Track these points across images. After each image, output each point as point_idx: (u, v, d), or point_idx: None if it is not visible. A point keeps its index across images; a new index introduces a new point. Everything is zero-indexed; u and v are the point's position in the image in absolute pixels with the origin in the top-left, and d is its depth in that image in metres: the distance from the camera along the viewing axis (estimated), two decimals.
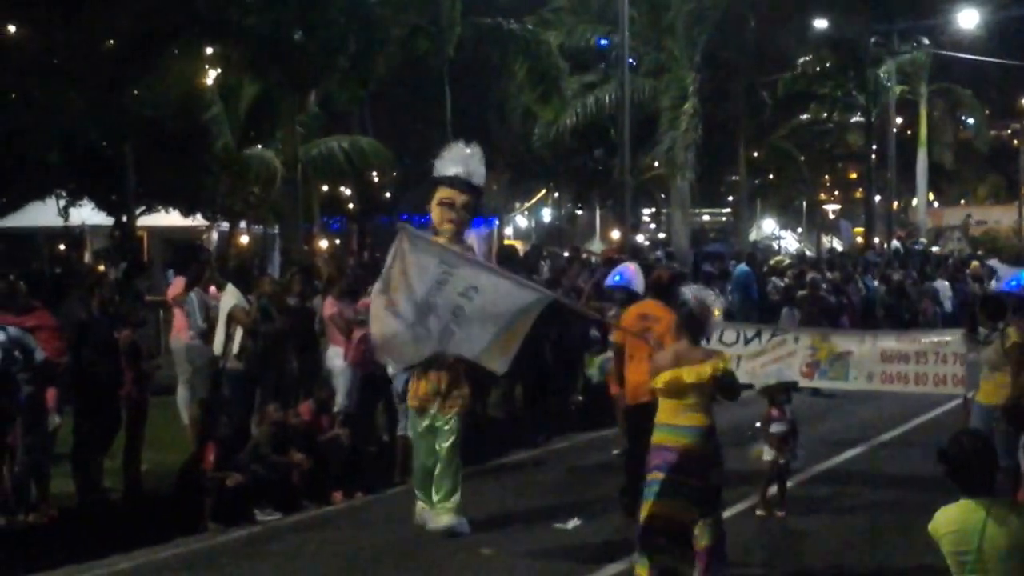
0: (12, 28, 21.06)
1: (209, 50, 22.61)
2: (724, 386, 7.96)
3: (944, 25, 40.02)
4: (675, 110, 27.71)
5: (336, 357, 12.78)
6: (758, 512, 10.42)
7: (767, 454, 10.47)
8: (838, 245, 44.57)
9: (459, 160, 10.17)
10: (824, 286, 21.59)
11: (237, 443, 11.10)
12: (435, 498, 9.95)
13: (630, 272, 11.65)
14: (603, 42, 29.14)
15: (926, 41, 41.37)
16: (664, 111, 27.99)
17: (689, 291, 8.27)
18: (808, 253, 42.48)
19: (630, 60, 25.22)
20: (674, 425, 7.91)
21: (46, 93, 21.90)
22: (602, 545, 9.52)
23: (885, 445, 14.23)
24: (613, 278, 11.75)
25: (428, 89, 23.53)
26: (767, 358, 12.68)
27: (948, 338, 12.47)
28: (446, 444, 9.96)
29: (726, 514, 9.66)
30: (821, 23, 37.23)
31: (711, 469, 7.86)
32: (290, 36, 20.67)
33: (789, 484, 10.81)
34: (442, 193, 10.11)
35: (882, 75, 39.89)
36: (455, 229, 10.09)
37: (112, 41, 21.75)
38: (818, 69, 39.03)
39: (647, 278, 11.35)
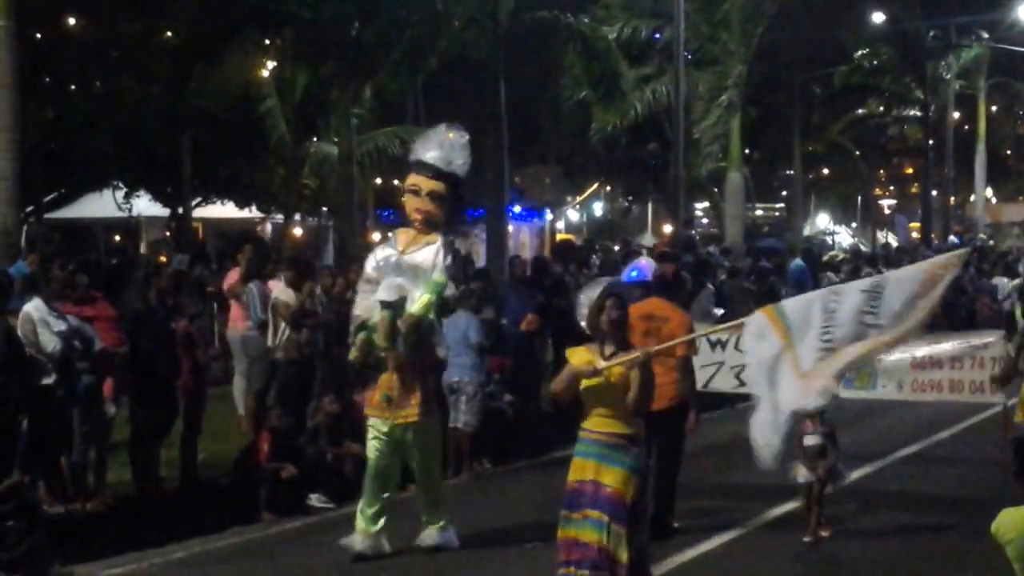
0: (72, 20, 21.28)
1: (266, 42, 22.75)
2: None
3: (1003, 19, 39.47)
4: (711, 102, 27.58)
5: None
6: (805, 539, 9.41)
7: (800, 474, 9.40)
8: (893, 241, 44.13)
9: (436, 144, 9.39)
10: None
11: (292, 434, 11.17)
12: (423, 516, 9.39)
13: (647, 268, 10.93)
14: (656, 35, 28.99)
15: (985, 35, 40.83)
16: (702, 102, 27.86)
17: (607, 286, 7.70)
18: (863, 248, 42.08)
19: (686, 54, 25.10)
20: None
21: (105, 85, 22.14)
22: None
23: (905, 461, 13.02)
24: (629, 273, 11.04)
25: (482, 82, 23.49)
26: None
27: (986, 340, 11.74)
28: (421, 469, 9.30)
29: (733, 535, 9.61)
30: (878, 16, 36.84)
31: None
32: (347, 27, 20.73)
33: (796, 504, 9.95)
34: (410, 179, 9.41)
35: (940, 69, 39.44)
36: (423, 220, 9.26)
37: (172, 34, 21.93)
38: (875, 63, 38.62)
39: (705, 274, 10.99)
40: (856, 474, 11.57)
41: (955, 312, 23.97)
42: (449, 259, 9.26)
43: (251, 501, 10.60)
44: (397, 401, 9.08)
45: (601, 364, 7.16)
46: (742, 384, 11.96)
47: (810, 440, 9.43)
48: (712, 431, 13.08)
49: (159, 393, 11.10)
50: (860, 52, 38.19)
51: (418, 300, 9.08)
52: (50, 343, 9.95)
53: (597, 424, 7.22)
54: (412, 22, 20.86)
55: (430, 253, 9.19)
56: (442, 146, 9.33)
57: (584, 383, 7.18)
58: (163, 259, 21.73)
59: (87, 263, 16.09)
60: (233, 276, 13.40)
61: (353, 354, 9.30)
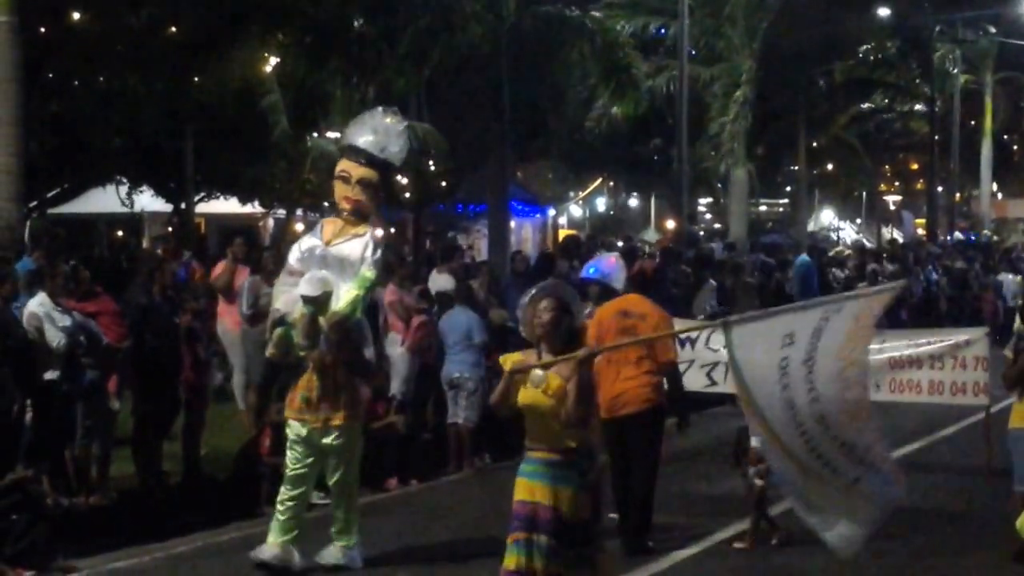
0: (76, 15, 21.26)
1: (268, 37, 22.72)
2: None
3: (1010, 13, 39.41)
4: (727, 98, 27.54)
5: (394, 344, 12.81)
6: (736, 544, 9.18)
7: (748, 475, 9.10)
8: (898, 236, 44.10)
9: (370, 129, 8.72)
10: (881, 279, 21.34)
11: None
12: (332, 529, 8.78)
13: (608, 264, 10.18)
14: (662, 31, 28.97)
15: (992, 29, 40.76)
16: (716, 98, 27.81)
17: (543, 285, 6.82)
18: (867, 244, 42.05)
19: (690, 49, 25.08)
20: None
21: (108, 80, 22.12)
22: None
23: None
24: (587, 270, 10.32)
25: (485, 77, 23.47)
26: None
27: (969, 339, 11.24)
28: (335, 479, 8.66)
29: (698, 549, 9.15)
30: (884, 10, 36.78)
31: None
32: (351, 23, 20.71)
33: (783, 508, 9.40)
34: (340, 165, 8.80)
35: (946, 64, 39.38)
36: (352, 209, 8.64)
37: (175, 29, 21.91)
38: (880, 57, 38.56)
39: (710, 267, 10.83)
40: None
41: (960, 307, 23.99)
42: (379, 253, 8.68)
43: (252, 496, 10.62)
44: (316, 404, 8.49)
45: (537, 368, 6.39)
46: (713, 383, 11.82)
47: (757, 443, 8.84)
48: (678, 437, 12.75)
49: (162, 388, 11.12)
50: (865, 46, 38.16)
51: (344, 296, 8.50)
52: (55, 338, 9.97)
53: (540, 440, 6.45)
54: (417, 17, 20.84)
55: (359, 246, 8.58)
56: (376, 131, 8.69)
57: (522, 398, 6.43)
58: (164, 253, 21.73)
59: (89, 258, 16.14)
60: (219, 268, 13.19)
61: (270, 351, 8.82)
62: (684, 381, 11.85)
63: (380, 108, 8.95)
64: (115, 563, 9.04)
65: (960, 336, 11.54)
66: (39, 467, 9.73)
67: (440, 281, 14.09)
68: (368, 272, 8.61)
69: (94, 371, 10.43)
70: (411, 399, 12.50)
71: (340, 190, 8.67)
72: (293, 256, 8.88)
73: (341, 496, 8.70)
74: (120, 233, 31.77)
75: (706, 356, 12.18)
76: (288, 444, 8.72)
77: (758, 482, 9.01)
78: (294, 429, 8.63)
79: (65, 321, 10.14)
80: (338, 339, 8.44)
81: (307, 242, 8.88)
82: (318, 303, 8.41)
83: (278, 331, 8.64)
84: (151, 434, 11.12)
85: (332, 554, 8.71)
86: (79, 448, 10.52)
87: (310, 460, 8.62)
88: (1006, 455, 9.69)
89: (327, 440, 8.52)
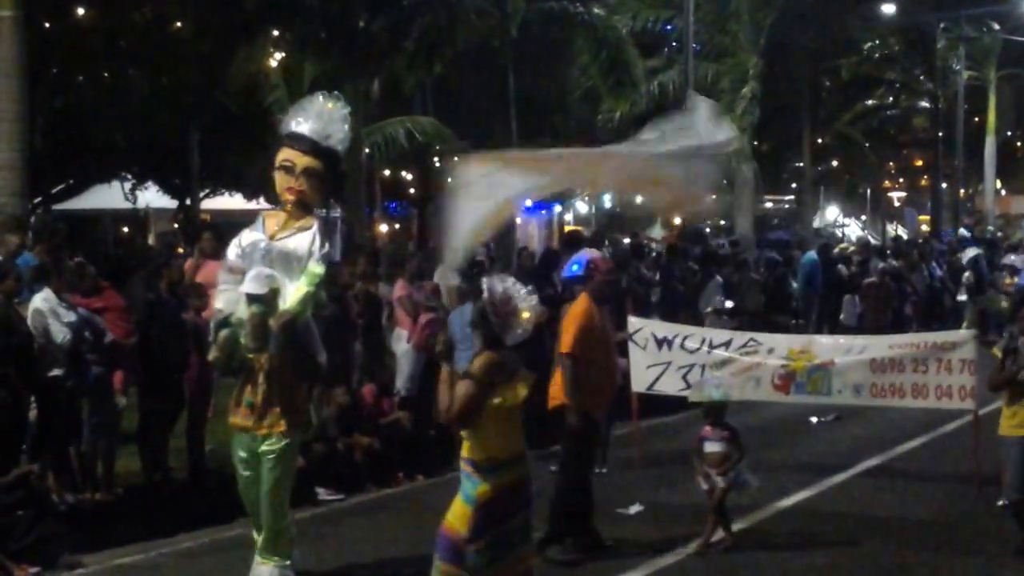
0: (81, 10, 21.26)
1: (274, 33, 22.72)
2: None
3: (1014, 10, 39.31)
4: (733, 93, 27.51)
5: (400, 340, 12.78)
6: (696, 548, 8.89)
7: (703, 480, 8.90)
8: (903, 233, 44.05)
9: (313, 115, 8.07)
10: (884, 277, 21.28)
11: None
12: (257, 547, 8.13)
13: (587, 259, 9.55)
14: (668, 27, 28.95)
15: (996, 26, 40.68)
16: (723, 94, 27.79)
17: (491, 282, 6.59)
18: (872, 241, 42.00)
19: (694, 45, 25.04)
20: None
21: (112, 76, 22.12)
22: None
23: (865, 475, 11.74)
24: (570, 267, 9.85)
25: (491, 73, 23.46)
26: (734, 368, 11.36)
27: (954, 340, 10.88)
28: (265, 488, 8.03)
29: (670, 561, 8.75)
30: (888, 7, 36.72)
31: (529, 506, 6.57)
32: (355, 18, 20.70)
33: (759, 518, 9.58)
34: (281, 154, 8.04)
35: (950, 61, 39.31)
36: (296, 200, 7.99)
37: (181, 25, 21.91)
38: (884, 53, 38.51)
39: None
40: (811, 490, 10.84)
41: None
42: (327, 246, 8.10)
43: None
44: (261, 409, 7.94)
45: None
46: (688, 387, 11.30)
47: (711, 447, 8.89)
48: (652, 443, 12.57)
49: (168, 383, 11.09)
50: (870, 43, 38.10)
51: (293, 294, 7.95)
52: (60, 334, 9.94)
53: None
54: (423, 12, 20.82)
55: (304, 240, 7.98)
56: (319, 117, 8.05)
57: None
58: (180, 251, 21.71)
59: (95, 254, 16.12)
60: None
61: (214, 354, 8.20)
62: (660, 384, 11.81)
63: (320, 93, 8.27)
64: (121, 559, 9.02)
65: (945, 339, 11.13)
66: (44, 463, 9.75)
67: (447, 276, 14.05)
68: (317, 268, 8.01)
69: (99, 367, 10.40)
70: (417, 395, 12.47)
71: (282, 181, 7.98)
72: (233, 252, 8.28)
73: (270, 508, 7.98)
74: (126, 229, 31.79)
75: (683, 358, 11.72)
76: (232, 450, 8.29)
77: (719, 482, 8.84)
78: (239, 437, 8.14)
79: (70, 317, 10.11)
80: (287, 340, 7.89)
81: (248, 237, 8.23)
82: (265, 301, 7.89)
83: (223, 333, 8.04)
84: (157, 430, 11.09)
85: (261, 574, 8.11)
86: (85, 444, 10.50)
87: (257, 465, 8.10)
88: (995, 462, 9.54)
89: (266, 446, 7.99)
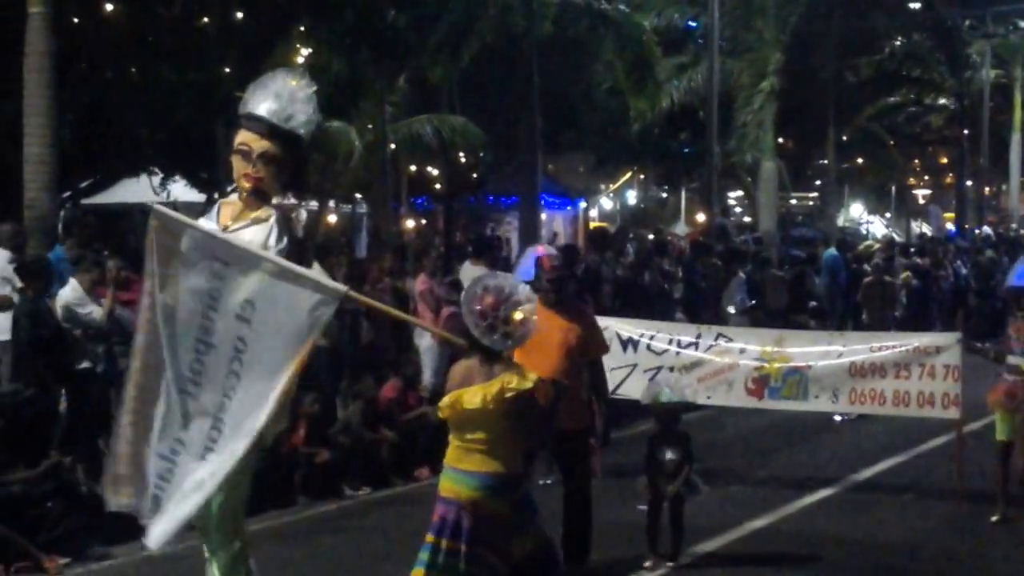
0: (109, 6, 21.38)
1: (300, 28, 22.79)
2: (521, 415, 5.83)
3: None
4: (753, 88, 27.52)
5: (424, 334, 12.85)
6: (645, 564, 8.36)
7: (646, 493, 8.46)
8: (928, 231, 43.88)
9: (272, 94, 7.00)
10: (885, 277, 21.13)
11: (326, 419, 11.26)
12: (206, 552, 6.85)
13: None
14: (692, 24, 28.94)
15: (1022, 24, 40.45)
16: (743, 89, 27.79)
17: (481, 276, 6.17)
18: (897, 238, 41.86)
19: (720, 41, 25.03)
20: (458, 470, 6.02)
21: (139, 70, 22.21)
22: None
23: (848, 491, 11.07)
24: (527, 268, 8.68)
25: (517, 69, 23.49)
26: (705, 371, 10.77)
27: (939, 344, 10.24)
28: (216, 500, 6.62)
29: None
30: (914, 4, 36.58)
31: (512, 538, 5.95)
32: (382, 13, 20.75)
33: (730, 538, 9.06)
34: (238, 137, 7.05)
35: (975, 58, 39.12)
36: (252, 188, 6.86)
37: (207, 19, 22.00)
38: (909, 50, 38.36)
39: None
40: (782, 511, 10.15)
41: (989, 302, 23.78)
42: (285, 240, 6.88)
43: (286, 485, 10.69)
44: None
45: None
46: None
47: (668, 455, 8.40)
48: (614, 454, 11.73)
49: None
50: (895, 40, 37.95)
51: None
52: (89, 327, 10.04)
53: None
54: (448, 7, 20.86)
55: (260, 233, 6.83)
56: (279, 97, 7.01)
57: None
58: None
59: (124, 248, 16.25)
60: None
61: None
62: (625, 387, 10.87)
63: (282, 70, 7.22)
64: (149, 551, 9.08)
65: (928, 341, 10.47)
66: (74, 455, 9.84)
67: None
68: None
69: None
70: (442, 389, 12.51)
71: (239, 166, 6.92)
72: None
73: (221, 525, 6.63)
74: None
75: (649, 360, 11.07)
76: None
77: (669, 491, 8.41)
78: None
79: (99, 310, 10.21)
80: None
81: (202, 226, 7.11)
82: None
83: None
84: None
85: None
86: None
87: None
88: (984, 475, 9.37)
89: None
